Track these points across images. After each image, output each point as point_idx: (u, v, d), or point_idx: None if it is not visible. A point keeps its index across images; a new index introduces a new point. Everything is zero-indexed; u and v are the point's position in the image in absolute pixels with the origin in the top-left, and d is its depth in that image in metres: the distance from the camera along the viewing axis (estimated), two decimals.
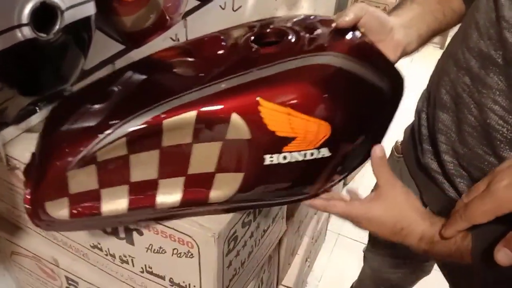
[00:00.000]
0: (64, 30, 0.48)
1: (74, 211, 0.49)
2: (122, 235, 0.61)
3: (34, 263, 0.77)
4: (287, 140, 0.47)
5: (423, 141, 0.70)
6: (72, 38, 0.51)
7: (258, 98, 0.45)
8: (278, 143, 0.47)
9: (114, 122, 0.45)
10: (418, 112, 0.73)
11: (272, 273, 0.93)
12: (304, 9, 1.96)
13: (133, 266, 0.65)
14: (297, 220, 0.98)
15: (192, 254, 0.57)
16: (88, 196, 0.48)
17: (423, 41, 0.63)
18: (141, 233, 0.59)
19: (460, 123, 0.60)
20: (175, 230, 0.56)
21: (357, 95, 0.50)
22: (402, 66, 0.56)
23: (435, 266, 0.95)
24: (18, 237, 0.76)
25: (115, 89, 0.51)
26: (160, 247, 0.59)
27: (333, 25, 0.54)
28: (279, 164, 0.48)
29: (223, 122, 0.46)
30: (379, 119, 0.54)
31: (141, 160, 0.48)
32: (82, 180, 0.47)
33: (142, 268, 0.65)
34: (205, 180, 0.50)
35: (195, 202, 0.52)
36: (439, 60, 0.70)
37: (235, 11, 1.01)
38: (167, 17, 0.69)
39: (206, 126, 0.46)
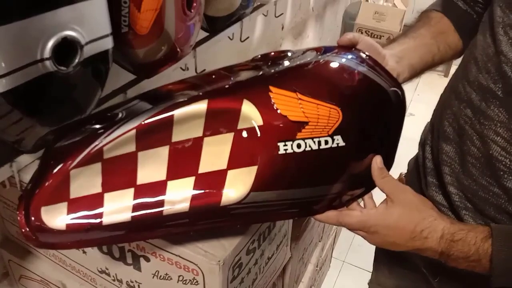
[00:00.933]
0: (83, 63, 0.50)
1: (72, 221, 0.45)
2: (130, 261, 0.62)
3: (43, 287, 0.78)
4: (300, 126, 0.48)
5: (427, 173, 0.70)
6: (90, 70, 0.53)
7: (268, 86, 0.48)
8: (291, 129, 0.48)
9: (123, 119, 0.45)
10: (422, 145, 0.75)
11: None
12: (310, 39, 2.01)
13: None
14: (302, 248, 0.98)
15: (197, 281, 0.58)
16: (90, 202, 0.45)
17: (416, 72, 0.66)
18: (148, 260, 0.60)
19: (464, 155, 0.61)
20: (181, 257, 0.57)
21: (362, 87, 0.52)
22: (407, 96, 0.58)
23: None
24: (27, 261, 0.77)
25: (119, 113, 0.49)
26: (166, 274, 0.60)
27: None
28: (294, 154, 0.48)
29: (234, 109, 0.47)
30: (387, 122, 0.55)
31: (150, 158, 0.46)
32: (85, 181, 0.45)
33: None
34: (217, 179, 0.48)
35: (206, 207, 0.49)
36: (442, 94, 0.72)
37: (242, 41, 1.03)
38: (178, 49, 0.71)
39: (218, 115, 0.47)
